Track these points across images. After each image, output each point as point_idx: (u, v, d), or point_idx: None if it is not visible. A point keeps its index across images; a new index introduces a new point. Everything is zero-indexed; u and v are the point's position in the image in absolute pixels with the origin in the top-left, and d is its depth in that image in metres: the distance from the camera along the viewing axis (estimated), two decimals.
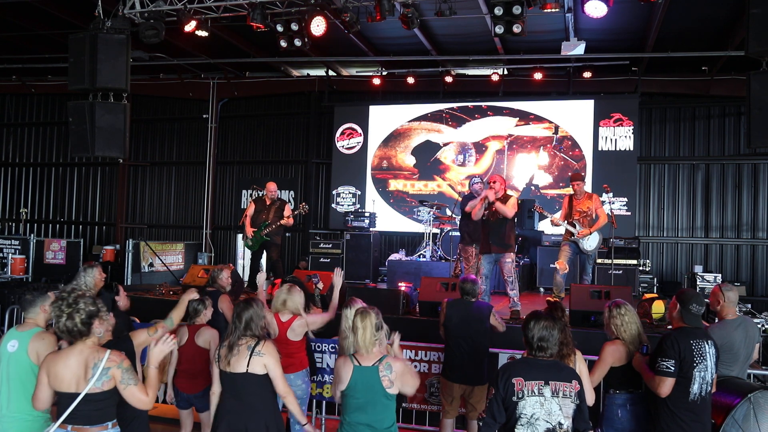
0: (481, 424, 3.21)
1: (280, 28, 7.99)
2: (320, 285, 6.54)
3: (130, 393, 3.21)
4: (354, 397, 3.42)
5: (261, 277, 5.45)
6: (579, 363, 3.79)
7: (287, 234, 13.36)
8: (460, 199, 8.08)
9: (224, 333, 5.54)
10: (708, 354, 3.68)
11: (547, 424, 3.10)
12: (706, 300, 7.24)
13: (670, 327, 5.72)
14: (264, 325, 3.79)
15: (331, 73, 13.18)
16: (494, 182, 6.97)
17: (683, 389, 3.63)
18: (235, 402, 3.58)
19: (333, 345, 6.02)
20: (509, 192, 7.25)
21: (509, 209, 6.88)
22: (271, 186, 8.67)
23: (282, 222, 8.34)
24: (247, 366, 3.55)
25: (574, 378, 3.21)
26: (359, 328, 3.49)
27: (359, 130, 13.04)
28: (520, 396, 3.13)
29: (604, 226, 7.52)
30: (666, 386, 3.62)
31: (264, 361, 3.57)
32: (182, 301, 4.45)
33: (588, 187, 11.02)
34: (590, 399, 3.63)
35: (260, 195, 8.79)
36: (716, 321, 4.45)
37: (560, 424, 3.12)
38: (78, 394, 3.11)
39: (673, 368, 3.60)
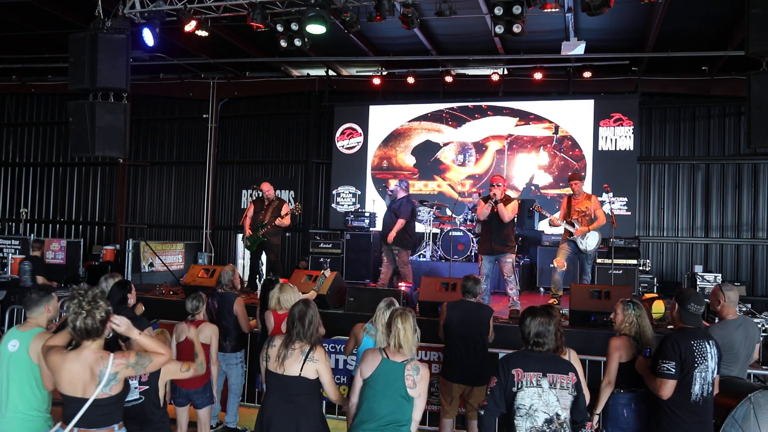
0: (482, 412, 3.23)
1: (280, 28, 7.99)
2: (327, 272, 6.49)
3: (154, 366, 3.28)
4: (374, 388, 3.47)
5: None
6: (573, 361, 3.81)
7: (287, 234, 13.37)
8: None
9: (232, 333, 5.60)
10: (709, 354, 3.67)
11: (545, 414, 3.17)
12: (706, 300, 7.23)
13: (670, 327, 5.75)
14: (319, 327, 3.80)
15: (331, 73, 13.18)
16: (498, 184, 7.06)
17: (684, 390, 3.62)
18: (284, 404, 3.62)
19: (333, 345, 6.03)
20: (509, 193, 7.30)
21: (508, 213, 6.99)
22: (265, 186, 8.60)
23: (277, 222, 8.29)
24: (301, 370, 3.57)
25: (570, 370, 3.28)
26: (400, 330, 3.53)
27: (359, 130, 13.04)
28: (519, 387, 3.19)
29: (604, 226, 7.53)
30: (667, 388, 3.60)
31: (317, 367, 3.60)
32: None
33: (588, 187, 11.06)
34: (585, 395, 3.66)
35: (259, 195, 8.77)
36: (716, 321, 4.45)
37: (558, 415, 3.17)
38: (84, 399, 3.07)
39: (674, 370, 3.59)
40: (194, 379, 4.93)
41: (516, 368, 3.23)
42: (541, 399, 3.17)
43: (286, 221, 8.39)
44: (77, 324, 3.11)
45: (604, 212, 7.64)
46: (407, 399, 3.45)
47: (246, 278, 9.19)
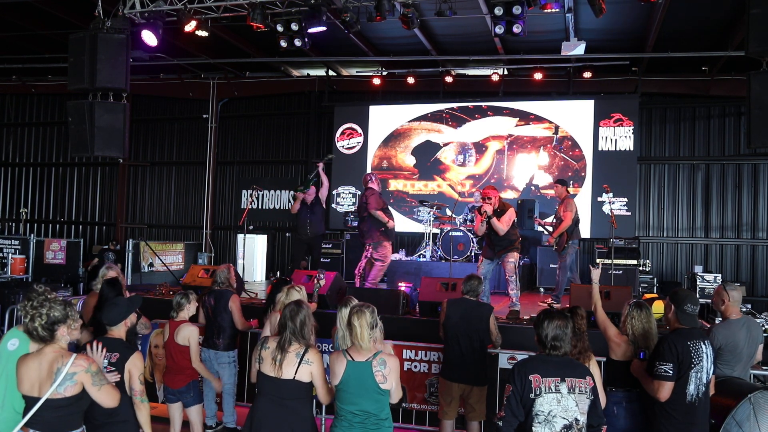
0: (500, 423, 3.18)
1: (280, 28, 7.99)
2: (322, 282, 6.48)
3: (105, 392, 3.15)
4: (347, 392, 3.47)
5: None
6: (593, 367, 3.83)
7: (287, 234, 13.39)
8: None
9: (226, 330, 5.60)
10: (705, 354, 3.66)
11: (564, 420, 3.10)
12: (706, 300, 7.20)
13: (669, 328, 5.74)
14: (312, 329, 3.73)
15: (331, 73, 13.18)
16: (489, 198, 6.95)
17: (680, 391, 3.62)
18: (276, 407, 3.54)
19: (333, 345, 6.01)
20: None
21: (502, 226, 6.87)
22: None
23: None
24: (295, 373, 3.50)
25: (587, 374, 3.23)
26: (355, 326, 3.53)
27: (359, 130, 13.04)
28: (538, 393, 3.11)
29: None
30: (665, 390, 3.60)
31: (311, 369, 3.54)
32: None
33: (588, 187, 11.08)
34: (602, 400, 3.68)
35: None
36: (717, 321, 4.44)
37: (576, 420, 3.12)
38: (39, 399, 3.00)
39: (671, 372, 3.58)
40: (176, 378, 4.94)
41: (533, 374, 3.13)
42: (560, 405, 3.10)
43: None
44: (25, 326, 3.15)
45: (572, 213, 7.76)
46: (382, 393, 3.44)
47: (286, 275, 9.09)
